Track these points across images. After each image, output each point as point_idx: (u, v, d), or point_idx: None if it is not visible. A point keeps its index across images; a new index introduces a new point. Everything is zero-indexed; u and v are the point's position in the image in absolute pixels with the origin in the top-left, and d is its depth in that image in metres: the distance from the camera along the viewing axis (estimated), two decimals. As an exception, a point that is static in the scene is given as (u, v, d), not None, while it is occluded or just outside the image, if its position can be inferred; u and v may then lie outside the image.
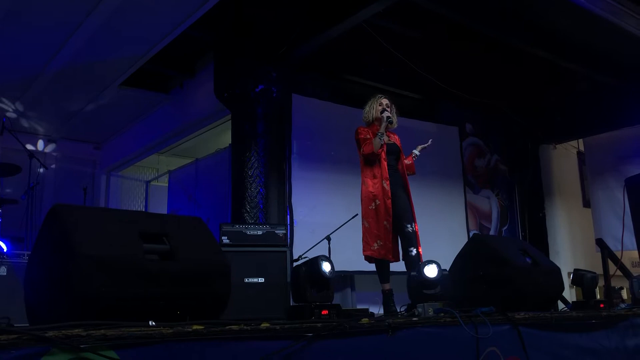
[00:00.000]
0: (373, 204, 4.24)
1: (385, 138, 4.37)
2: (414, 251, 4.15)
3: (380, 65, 6.85)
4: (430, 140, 4.62)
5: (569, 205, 9.40)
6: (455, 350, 2.76)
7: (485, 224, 8.34)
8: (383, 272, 4.27)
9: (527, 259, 3.78)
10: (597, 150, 8.80)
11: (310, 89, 6.78)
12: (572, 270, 4.43)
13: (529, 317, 3.15)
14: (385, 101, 4.49)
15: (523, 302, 3.46)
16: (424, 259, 4.11)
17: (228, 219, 6.08)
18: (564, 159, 9.60)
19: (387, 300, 4.18)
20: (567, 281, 5.85)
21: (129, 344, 1.80)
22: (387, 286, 4.23)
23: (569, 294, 7.66)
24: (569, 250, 8.99)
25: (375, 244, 4.18)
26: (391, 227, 4.18)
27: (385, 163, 4.31)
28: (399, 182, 4.37)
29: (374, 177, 4.29)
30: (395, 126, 4.51)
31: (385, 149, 4.34)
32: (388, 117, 4.31)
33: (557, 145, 9.41)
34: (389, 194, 4.20)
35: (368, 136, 4.35)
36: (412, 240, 4.17)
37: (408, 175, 4.47)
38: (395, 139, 4.55)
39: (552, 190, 9.14)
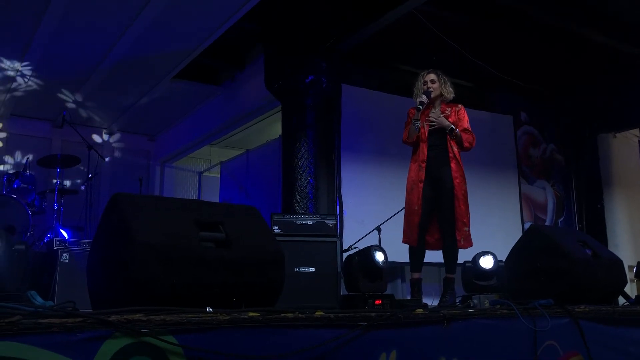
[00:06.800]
0: (411, 189, 4.16)
1: (437, 113, 4.19)
2: (449, 239, 4.02)
3: (431, 53, 6.71)
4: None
5: (630, 196, 9.01)
6: (512, 343, 2.70)
7: (540, 215, 8.11)
8: (411, 259, 4.13)
9: (587, 251, 3.63)
10: (660, 139, 8.44)
11: (359, 79, 6.72)
12: (635, 264, 4.27)
13: (590, 310, 3.04)
14: (429, 77, 4.25)
15: (582, 295, 3.33)
16: (477, 251, 4.02)
17: (278, 209, 6.12)
18: (624, 148, 9.20)
19: (413, 289, 4.05)
20: (627, 275, 5.64)
21: (187, 330, 1.84)
22: (415, 275, 4.08)
23: (630, 288, 7.36)
24: (629, 243, 8.64)
25: (408, 230, 4.10)
26: (422, 211, 4.03)
27: (425, 145, 4.13)
28: (444, 160, 4.11)
29: (415, 161, 4.19)
30: (450, 97, 4.26)
31: (427, 129, 4.14)
32: (421, 103, 4.08)
33: (616, 134, 9.04)
34: (422, 177, 4.07)
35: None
36: (449, 223, 4.03)
37: (461, 150, 4.16)
38: (453, 111, 4.23)
39: (611, 181, 8.79)
